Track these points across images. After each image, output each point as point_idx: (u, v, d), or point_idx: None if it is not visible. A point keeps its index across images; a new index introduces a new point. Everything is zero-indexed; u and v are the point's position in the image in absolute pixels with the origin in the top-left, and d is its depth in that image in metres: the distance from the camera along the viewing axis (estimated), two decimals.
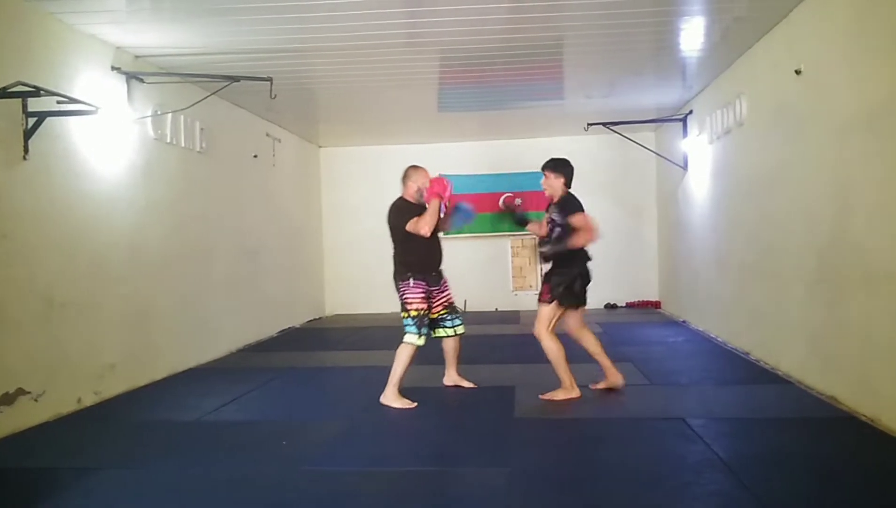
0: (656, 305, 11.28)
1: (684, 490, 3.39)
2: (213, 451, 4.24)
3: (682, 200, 9.42)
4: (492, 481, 3.55)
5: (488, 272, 11.40)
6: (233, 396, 5.62)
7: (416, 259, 5.18)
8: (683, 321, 9.40)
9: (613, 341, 7.95)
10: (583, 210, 5.12)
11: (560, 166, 5.27)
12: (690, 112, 8.76)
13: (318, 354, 7.85)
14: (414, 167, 5.35)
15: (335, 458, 4.05)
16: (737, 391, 5.46)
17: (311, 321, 10.90)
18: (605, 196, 11.51)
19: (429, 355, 7.43)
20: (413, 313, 5.09)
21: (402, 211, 5.18)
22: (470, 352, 7.41)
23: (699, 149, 8.45)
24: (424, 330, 5.12)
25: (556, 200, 5.23)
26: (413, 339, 5.08)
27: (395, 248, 5.26)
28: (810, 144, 5.24)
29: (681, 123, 9.07)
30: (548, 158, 5.35)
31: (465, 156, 11.47)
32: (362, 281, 11.47)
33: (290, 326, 9.97)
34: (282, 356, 7.57)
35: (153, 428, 4.79)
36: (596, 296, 11.57)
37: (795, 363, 5.58)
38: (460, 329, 5.41)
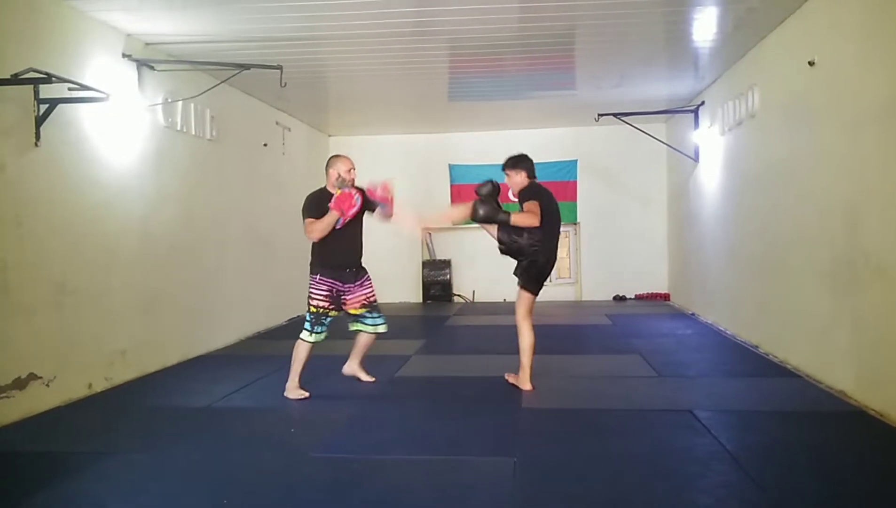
0: (665, 297, 11.26)
1: (691, 482, 3.39)
2: (223, 437, 4.28)
3: (692, 191, 9.38)
4: (498, 470, 3.57)
5: (496, 263, 11.35)
6: (243, 383, 5.66)
7: (328, 254, 5.06)
8: (692, 314, 9.38)
9: (622, 332, 7.96)
10: (537, 199, 4.94)
11: (518, 162, 5.17)
12: (702, 103, 8.71)
13: (326, 342, 7.85)
14: (336, 156, 5.25)
15: (343, 445, 4.08)
16: (745, 383, 5.44)
17: None
18: (615, 187, 11.50)
19: (444, 344, 7.46)
20: (311, 310, 5.04)
21: (310, 205, 5.08)
22: (478, 342, 7.45)
23: (711, 140, 8.40)
24: (319, 329, 5.04)
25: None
26: (305, 336, 5.06)
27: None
28: (823, 137, 5.20)
29: (692, 115, 9.01)
30: (507, 157, 5.22)
31: (475, 145, 11.46)
32: (370, 270, 11.48)
33: (299, 314, 9.98)
34: (291, 345, 7.54)
35: (164, 414, 4.83)
36: (605, 288, 11.66)
37: (805, 356, 5.56)
38: (381, 329, 5.29)
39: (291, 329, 8.85)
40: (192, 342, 6.87)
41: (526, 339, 5.09)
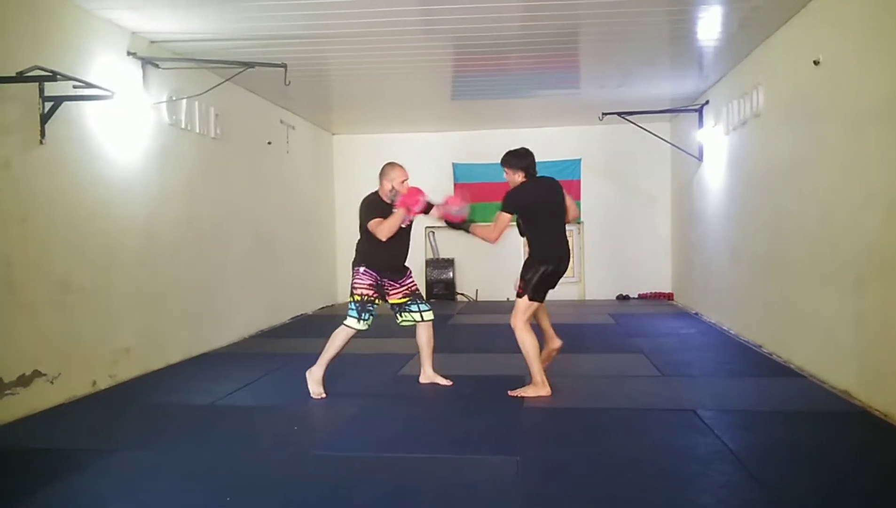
0: (669, 296, 11.24)
1: (693, 481, 3.39)
2: (226, 435, 4.29)
3: (696, 191, 9.36)
4: (501, 469, 3.57)
5: (499, 262, 11.38)
6: (245, 381, 5.66)
7: (377, 254, 5.08)
8: (696, 313, 9.37)
9: (626, 332, 7.95)
10: (507, 209, 4.87)
11: (516, 158, 4.99)
12: (707, 102, 8.69)
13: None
14: (391, 164, 5.19)
15: (345, 443, 4.08)
16: (748, 383, 5.44)
17: (323, 307, 10.95)
18: (618, 186, 11.49)
19: (447, 343, 7.46)
20: (356, 298, 5.03)
21: (372, 207, 5.06)
22: (481, 341, 7.45)
23: (715, 140, 8.39)
24: (366, 316, 5.02)
25: None
26: (352, 323, 5.00)
27: (360, 238, 5.17)
28: (828, 136, 5.18)
29: (696, 114, 9.00)
30: (504, 153, 5.08)
31: (479, 144, 11.44)
32: None
33: (302, 313, 10.02)
34: (294, 343, 7.62)
35: (167, 411, 4.84)
36: (608, 287, 11.66)
37: (808, 355, 5.55)
38: (428, 315, 5.27)
39: (295, 328, 8.88)
40: (195, 339, 6.89)
41: (528, 343, 4.92)
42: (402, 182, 5.10)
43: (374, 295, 5.08)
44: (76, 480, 3.53)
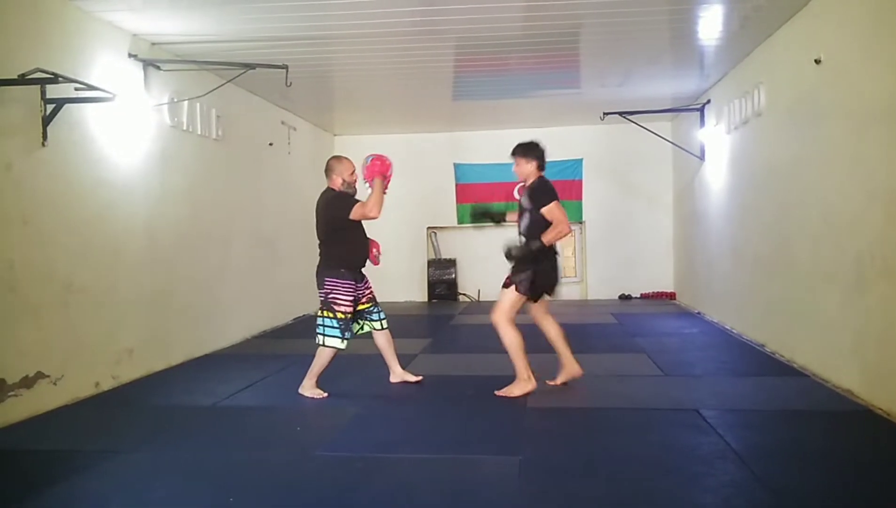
0: (671, 296, 11.24)
1: (696, 481, 3.39)
2: (229, 436, 4.29)
3: (698, 190, 9.35)
4: (504, 469, 3.57)
5: (501, 262, 11.39)
6: (248, 382, 5.67)
7: (347, 253, 5.03)
8: (698, 313, 9.36)
9: (628, 331, 7.95)
10: (555, 198, 4.82)
11: (529, 150, 4.97)
12: (708, 102, 8.69)
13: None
14: (337, 158, 5.18)
15: (348, 444, 4.08)
16: (751, 383, 5.43)
17: None
18: (620, 186, 11.48)
19: (449, 343, 7.47)
20: (339, 316, 4.96)
21: (340, 199, 5.01)
22: (483, 341, 7.43)
23: (716, 139, 8.38)
24: (349, 334, 5.00)
25: (527, 184, 4.99)
26: (337, 344, 4.97)
27: (323, 241, 5.10)
28: (829, 135, 5.18)
29: (698, 113, 8.99)
30: (516, 144, 5.07)
31: (480, 145, 11.45)
32: (375, 269, 11.50)
33: (305, 313, 10.02)
34: (296, 344, 7.62)
35: (170, 412, 4.85)
36: (611, 287, 11.65)
37: (811, 355, 5.55)
38: (385, 323, 5.28)
39: (297, 328, 8.89)
40: (197, 340, 6.89)
41: (511, 339, 4.86)
42: (351, 173, 5.09)
43: (352, 311, 5.06)
44: (79, 481, 3.54)
